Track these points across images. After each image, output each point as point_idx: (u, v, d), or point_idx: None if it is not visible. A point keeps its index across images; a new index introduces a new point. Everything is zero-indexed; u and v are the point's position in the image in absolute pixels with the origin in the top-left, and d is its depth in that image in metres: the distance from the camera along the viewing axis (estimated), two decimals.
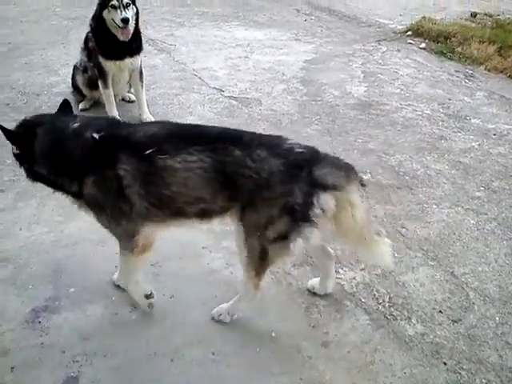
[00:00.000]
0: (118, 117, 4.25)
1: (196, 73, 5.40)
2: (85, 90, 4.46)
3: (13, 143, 2.16)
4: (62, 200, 2.95)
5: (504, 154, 4.11)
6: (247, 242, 2.12)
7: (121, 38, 3.84)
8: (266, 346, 2.36)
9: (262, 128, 4.31)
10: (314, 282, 2.63)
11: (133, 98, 4.69)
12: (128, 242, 2.21)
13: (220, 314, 2.42)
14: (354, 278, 2.78)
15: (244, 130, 2.31)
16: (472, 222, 3.28)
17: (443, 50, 6.23)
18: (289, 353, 2.34)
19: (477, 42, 6.18)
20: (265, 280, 2.35)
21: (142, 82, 4.29)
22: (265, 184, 2.01)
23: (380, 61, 5.94)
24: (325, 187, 2.01)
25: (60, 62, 5.55)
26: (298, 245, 2.09)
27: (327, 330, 2.46)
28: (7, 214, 3.15)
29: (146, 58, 5.08)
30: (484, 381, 2.26)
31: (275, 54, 6.01)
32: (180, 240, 2.87)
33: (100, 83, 4.15)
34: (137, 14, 3.87)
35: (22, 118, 2.29)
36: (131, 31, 3.83)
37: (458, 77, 5.62)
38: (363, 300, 2.65)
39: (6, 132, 2.12)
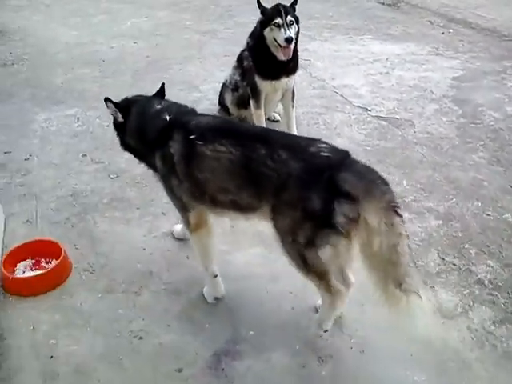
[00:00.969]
0: None
1: (337, 90, 5.15)
2: (232, 109, 4.35)
3: (117, 114, 2.52)
4: (226, 227, 2.84)
5: None
6: (284, 246, 2.12)
7: (281, 57, 3.68)
8: None
9: (420, 153, 3.98)
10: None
11: (278, 117, 4.54)
12: (183, 216, 2.46)
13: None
14: None
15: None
16: None
17: None
18: None
19: None
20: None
21: (294, 102, 4.11)
22: (284, 186, 2.00)
23: None
24: (344, 195, 1.88)
25: (199, 78, 5.54)
26: (326, 252, 1.98)
27: None
28: (173, 240, 3.06)
29: None
30: None
31: (418, 70, 5.61)
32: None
33: (252, 103, 4.02)
34: (297, 32, 3.68)
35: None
36: (292, 51, 3.64)
37: None
38: None
39: (114, 104, 2.48)
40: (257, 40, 3.78)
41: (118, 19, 7.84)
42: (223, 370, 2.25)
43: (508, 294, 2.63)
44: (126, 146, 2.63)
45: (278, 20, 3.58)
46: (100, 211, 3.36)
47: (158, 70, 5.74)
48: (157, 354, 2.34)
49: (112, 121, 2.62)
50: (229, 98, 4.32)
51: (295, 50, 3.78)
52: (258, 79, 3.86)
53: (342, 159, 2.01)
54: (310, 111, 4.73)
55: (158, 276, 2.79)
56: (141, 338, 2.42)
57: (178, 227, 2.98)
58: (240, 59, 4.07)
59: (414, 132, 4.33)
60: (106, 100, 2.48)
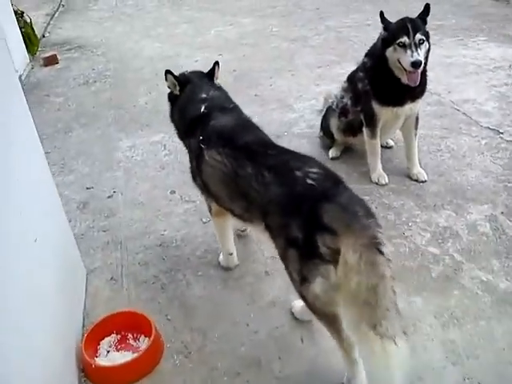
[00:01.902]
0: (382, 171, 3.45)
1: (457, 106, 4.38)
2: (338, 135, 3.75)
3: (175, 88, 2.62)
4: None
5: None
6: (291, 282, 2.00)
7: (407, 82, 3.01)
8: None
9: None
10: None
11: (391, 143, 3.89)
12: (205, 201, 2.61)
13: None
14: None
15: None
16: None
17: None
18: None
19: None
20: None
21: (417, 130, 3.42)
22: (267, 210, 1.96)
23: None
24: (324, 228, 1.72)
25: (292, 95, 4.96)
26: (318, 286, 1.78)
27: None
28: (281, 313, 2.49)
29: None
30: None
31: None
32: None
33: (366, 131, 3.39)
34: (428, 51, 3.00)
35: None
36: (419, 76, 2.96)
37: None
38: None
39: (174, 77, 2.58)
40: (377, 60, 3.14)
41: (202, 28, 7.44)
42: None
43: None
44: (172, 118, 2.73)
45: (404, 39, 2.92)
46: (193, 267, 2.87)
47: (247, 86, 5.23)
48: None
49: (168, 92, 2.69)
50: (335, 124, 3.72)
51: (425, 71, 3.09)
52: (375, 105, 3.22)
53: (327, 188, 1.84)
54: (429, 134, 4.01)
55: (268, 366, 2.24)
56: None
57: (299, 304, 2.39)
58: (352, 80, 3.45)
59: None
60: (167, 72, 2.55)
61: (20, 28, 6.46)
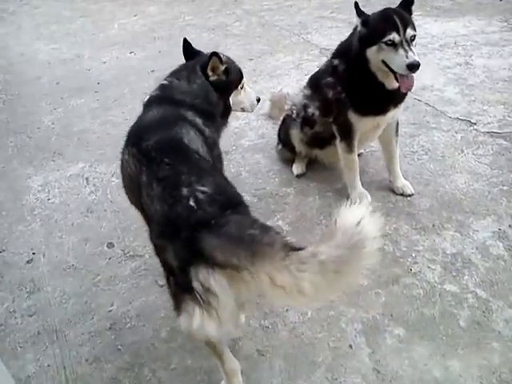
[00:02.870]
0: (362, 189, 2.92)
1: (417, 96, 3.94)
2: (301, 148, 3.18)
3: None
4: None
5: None
6: None
7: (394, 88, 2.48)
8: None
9: None
10: None
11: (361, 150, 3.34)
12: None
13: None
14: None
15: None
16: None
17: None
18: None
19: None
20: None
21: (397, 136, 2.90)
22: (149, 227, 1.80)
23: None
24: (201, 260, 1.50)
25: None
26: (182, 322, 1.60)
27: None
28: None
29: None
30: None
31: (504, 56, 4.43)
32: None
33: (342, 146, 2.83)
34: None
35: None
36: (413, 80, 2.43)
37: None
38: None
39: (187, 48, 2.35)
40: (353, 62, 2.55)
41: (102, 22, 6.49)
42: None
43: None
44: None
45: (393, 36, 2.35)
46: (162, 357, 2.20)
47: None
48: None
49: None
50: (296, 135, 3.12)
51: None
52: (353, 116, 2.66)
53: (210, 214, 1.57)
54: None
55: None
56: None
57: None
58: (317, 86, 2.85)
59: None
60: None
61: None
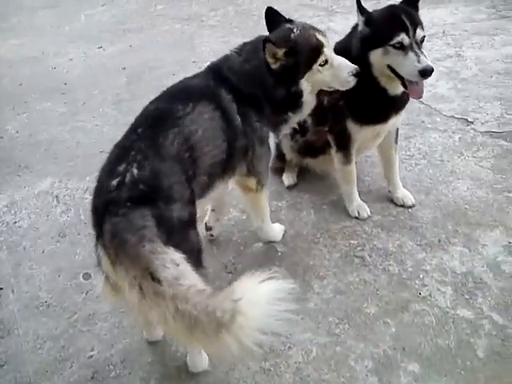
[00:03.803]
0: (360, 201, 2.71)
1: None
2: (290, 155, 2.94)
3: None
4: None
5: None
6: None
7: (395, 92, 2.27)
8: None
9: None
10: None
11: None
12: None
13: None
14: None
15: None
16: None
17: None
18: None
19: None
20: None
21: (397, 143, 2.69)
22: None
23: None
24: (102, 241, 1.64)
25: None
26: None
27: None
28: None
29: None
30: None
31: (495, 45, 4.24)
32: None
33: (338, 157, 2.61)
34: None
35: None
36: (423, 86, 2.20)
37: None
38: None
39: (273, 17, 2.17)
40: None
41: (67, 13, 6.08)
42: None
43: None
44: None
45: (402, 38, 2.11)
46: None
47: (147, 90, 4.11)
48: None
49: None
50: (286, 143, 2.89)
51: None
52: (352, 125, 2.43)
53: (115, 201, 1.61)
54: None
55: None
56: None
57: None
58: None
59: None
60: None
61: None
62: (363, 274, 2.39)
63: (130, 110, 3.78)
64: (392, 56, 2.15)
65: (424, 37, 2.17)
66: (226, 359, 1.89)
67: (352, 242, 2.57)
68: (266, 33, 2.24)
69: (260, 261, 2.51)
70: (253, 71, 2.05)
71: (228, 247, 2.63)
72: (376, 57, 2.19)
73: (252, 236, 2.63)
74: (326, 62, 2.04)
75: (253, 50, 2.08)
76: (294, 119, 2.24)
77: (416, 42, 2.11)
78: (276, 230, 2.55)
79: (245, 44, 2.17)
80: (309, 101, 2.15)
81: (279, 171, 3.05)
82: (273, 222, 2.58)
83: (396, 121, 2.49)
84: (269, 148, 2.22)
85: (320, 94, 2.33)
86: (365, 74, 2.22)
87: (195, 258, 1.71)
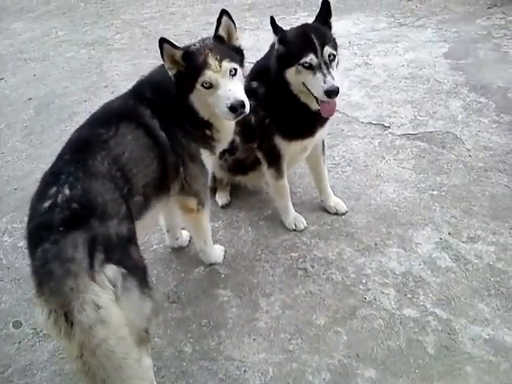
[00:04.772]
0: (295, 213, 2.73)
1: None
2: (221, 174, 2.91)
3: None
4: None
5: None
6: None
7: (319, 112, 2.26)
8: None
9: (501, 183, 2.85)
10: None
11: None
12: None
13: None
14: None
15: None
16: None
17: None
18: None
19: None
20: None
21: (324, 154, 2.74)
22: None
23: None
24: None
25: None
26: None
27: None
28: None
29: None
30: None
31: (398, 52, 4.47)
32: None
33: (270, 172, 2.61)
34: (337, 64, 2.28)
35: None
36: (336, 104, 2.24)
37: None
38: None
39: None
40: (273, 84, 2.32)
41: None
42: None
43: None
44: None
45: (310, 58, 2.14)
46: None
47: (58, 120, 3.96)
48: None
49: None
50: (216, 163, 2.81)
51: None
52: (280, 141, 2.44)
53: (46, 226, 1.55)
54: None
55: None
56: None
57: None
58: None
59: (467, 150, 3.19)
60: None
61: None
62: (308, 286, 2.39)
63: (42, 143, 3.60)
64: (304, 75, 2.17)
65: (334, 55, 2.19)
66: None
67: (293, 254, 2.57)
68: None
69: (204, 286, 2.44)
70: (162, 80, 2.01)
71: (168, 275, 2.53)
72: (291, 75, 2.22)
73: (192, 261, 2.55)
74: (211, 86, 1.97)
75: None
76: (219, 135, 2.18)
77: (325, 62, 2.13)
78: (217, 252, 2.49)
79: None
80: (216, 119, 2.09)
81: (212, 191, 2.97)
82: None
83: (322, 133, 2.53)
84: (203, 166, 2.17)
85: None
86: (285, 91, 2.25)
87: (140, 277, 1.64)
